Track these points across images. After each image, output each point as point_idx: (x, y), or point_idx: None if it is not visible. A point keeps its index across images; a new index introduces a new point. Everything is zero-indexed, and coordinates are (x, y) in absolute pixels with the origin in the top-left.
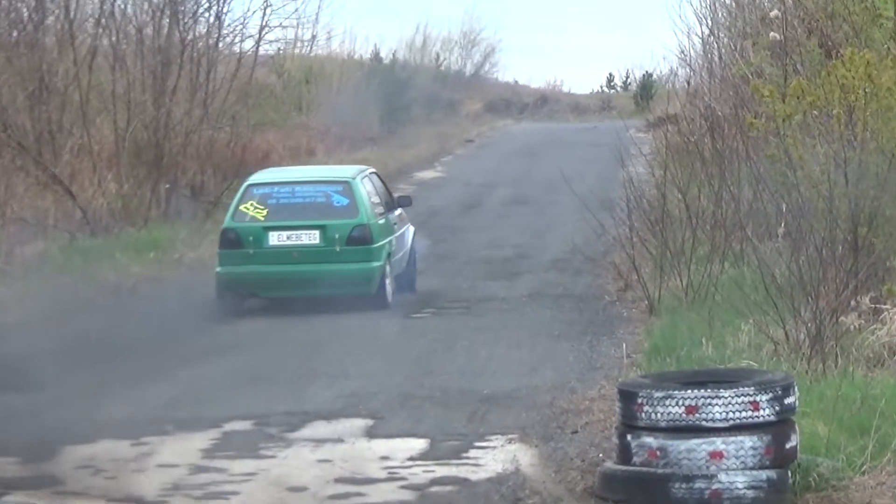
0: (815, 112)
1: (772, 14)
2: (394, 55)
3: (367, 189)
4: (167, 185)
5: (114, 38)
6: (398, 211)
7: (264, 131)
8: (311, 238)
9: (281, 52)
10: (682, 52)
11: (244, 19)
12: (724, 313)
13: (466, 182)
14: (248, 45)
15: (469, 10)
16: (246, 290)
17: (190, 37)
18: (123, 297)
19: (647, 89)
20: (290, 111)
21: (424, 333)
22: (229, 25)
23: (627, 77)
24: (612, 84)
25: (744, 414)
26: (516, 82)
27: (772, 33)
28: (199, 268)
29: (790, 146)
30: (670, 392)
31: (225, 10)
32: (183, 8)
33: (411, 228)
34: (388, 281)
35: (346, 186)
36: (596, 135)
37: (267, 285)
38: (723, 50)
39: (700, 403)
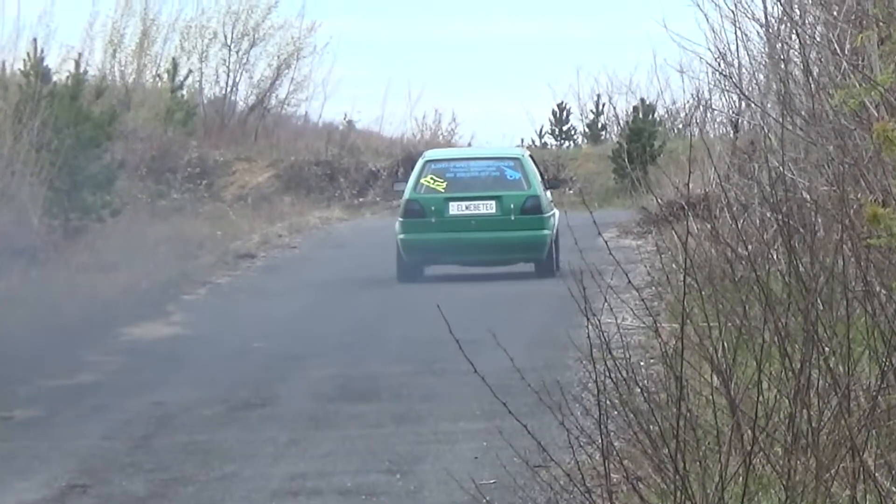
0: None
1: None
2: (77, 63)
3: (532, 166)
4: None
5: None
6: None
7: None
8: (488, 208)
9: None
10: (721, 55)
11: None
12: None
13: (238, 347)
14: None
15: None
16: (428, 255)
17: None
18: None
19: (641, 138)
20: None
21: None
22: None
23: (599, 111)
24: (564, 128)
25: None
26: (351, 124)
27: None
28: None
29: None
30: None
31: None
32: None
33: (556, 211)
34: (555, 249)
35: (518, 162)
36: None
37: (448, 251)
38: (812, 53)
39: None
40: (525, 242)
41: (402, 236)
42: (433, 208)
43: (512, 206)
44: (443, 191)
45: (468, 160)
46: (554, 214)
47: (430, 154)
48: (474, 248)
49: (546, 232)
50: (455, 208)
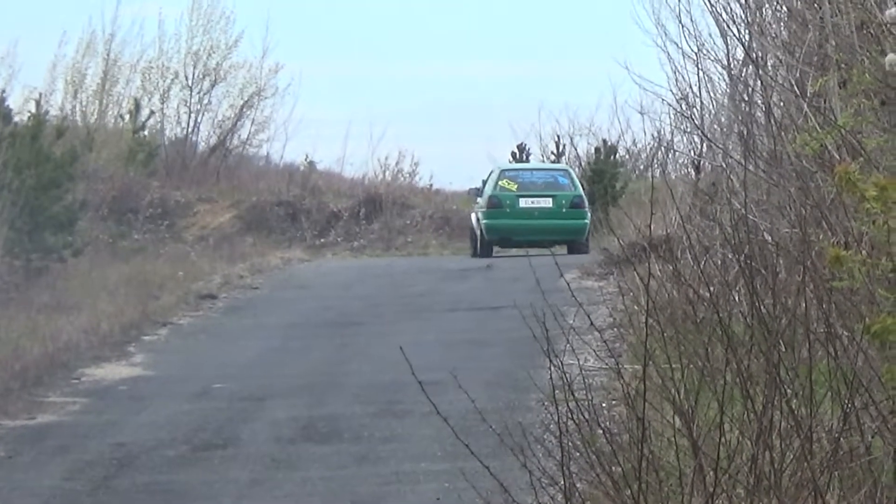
0: None
1: (889, 14)
2: (38, 104)
3: (576, 176)
4: None
5: None
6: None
7: None
8: (546, 203)
9: None
10: (683, 96)
11: None
12: None
13: (199, 388)
14: None
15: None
16: (504, 235)
17: None
18: None
19: (603, 179)
20: None
21: None
22: None
23: (560, 152)
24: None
25: None
26: (312, 165)
27: (890, 56)
28: None
29: None
30: None
31: None
32: None
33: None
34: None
35: (566, 172)
36: (491, 283)
37: (518, 232)
38: (773, 95)
39: None
40: (571, 228)
41: (485, 221)
42: (508, 202)
43: (563, 202)
44: (515, 190)
45: (531, 170)
46: (589, 212)
47: (504, 165)
48: (536, 231)
49: (586, 221)
50: (524, 202)
